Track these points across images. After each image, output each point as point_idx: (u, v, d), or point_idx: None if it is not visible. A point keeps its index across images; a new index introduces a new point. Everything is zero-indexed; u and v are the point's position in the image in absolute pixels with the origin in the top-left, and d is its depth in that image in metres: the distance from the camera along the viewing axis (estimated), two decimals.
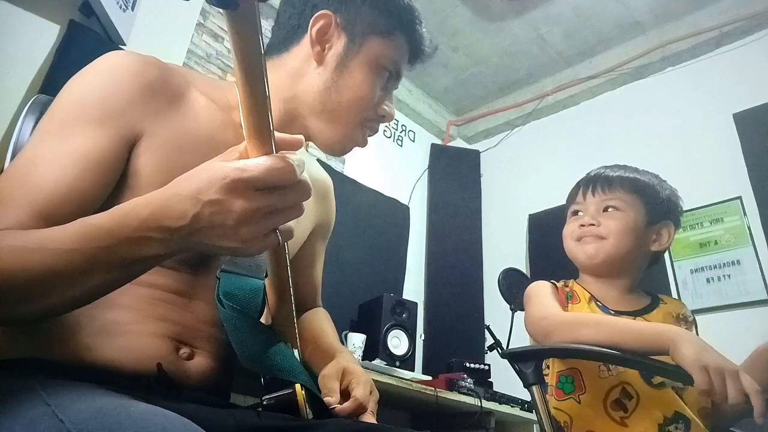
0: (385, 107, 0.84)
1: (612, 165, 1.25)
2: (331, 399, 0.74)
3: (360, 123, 0.82)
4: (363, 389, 0.76)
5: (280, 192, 0.47)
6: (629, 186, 1.17)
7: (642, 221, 1.15)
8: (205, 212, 0.47)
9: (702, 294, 2.44)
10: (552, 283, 1.24)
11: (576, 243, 1.19)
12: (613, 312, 1.14)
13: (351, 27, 0.81)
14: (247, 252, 0.50)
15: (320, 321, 0.99)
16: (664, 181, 1.26)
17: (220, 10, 0.39)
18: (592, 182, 1.19)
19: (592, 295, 1.19)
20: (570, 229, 1.21)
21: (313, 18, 0.80)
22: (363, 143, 0.85)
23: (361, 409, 0.75)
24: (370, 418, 0.75)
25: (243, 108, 0.45)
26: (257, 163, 0.46)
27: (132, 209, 0.50)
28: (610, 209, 1.16)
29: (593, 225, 1.16)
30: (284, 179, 0.47)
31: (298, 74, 0.81)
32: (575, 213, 1.22)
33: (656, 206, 1.18)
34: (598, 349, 1.06)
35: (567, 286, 1.23)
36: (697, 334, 1.11)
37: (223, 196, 0.46)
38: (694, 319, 1.16)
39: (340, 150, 0.84)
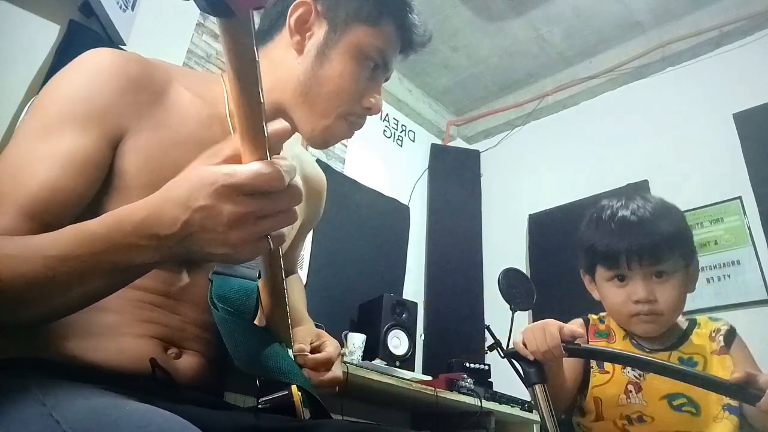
0: (372, 99, 0.80)
1: (631, 204, 1.12)
2: (305, 347, 0.80)
3: (342, 115, 0.79)
4: (333, 349, 0.83)
5: (270, 197, 0.47)
6: (672, 247, 1.07)
7: (685, 275, 1.10)
8: (195, 218, 0.47)
9: (702, 294, 2.43)
10: (586, 319, 1.21)
11: (629, 318, 1.10)
12: (648, 350, 1.12)
13: (333, 14, 0.78)
14: (239, 258, 0.49)
15: (291, 291, 0.99)
16: (672, 205, 1.16)
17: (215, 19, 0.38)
18: (637, 250, 1.07)
19: (627, 332, 1.16)
20: (621, 304, 1.10)
21: (292, 6, 0.78)
22: (349, 134, 0.82)
23: (328, 363, 0.81)
24: (335, 371, 0.82)
25: (237, 113, 0.45)
26: (245, 169, 0.46)
27: (124, 216, 0.49)
28: (660, 275, 1.08)
29: (650, 301, 1.07)
30: (272, 185, 0.46)
31: (280, 64, 0.79)
32: (619, 278, 1.11)
33: (689, 252, 1.12)
34: (609, 350, 1.08)
35: (603, 322, 1.20)
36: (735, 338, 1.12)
37: (212, 202, 0.46)
38: (732, 328, 1.13)
39: (321, 142, 0.81)
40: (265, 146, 0.47)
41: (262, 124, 0.45)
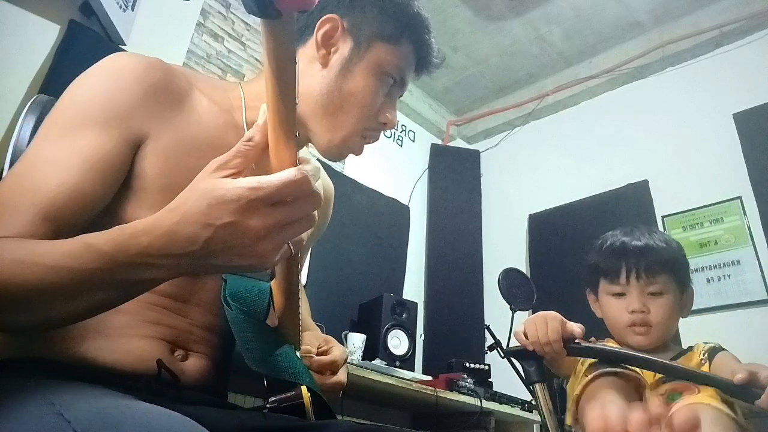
0: (388, 115, 0.83)
1: (635, 232, 1.27)
2: (312, 349, 0.81)
3: (359, 130, 0.81)
4: (340, 353, 0.85)
5: (294, 204, 0.47)
6: (666, 267, 1.22)
7: (678, 297, 1.23)
8: (218, 235, 0.46)
9: (702, 294, 2.44)
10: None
11: (625, 328, 1.22)
12: None
13: (357, 31, 0.80)
14: (264, 267, 0.49)
15: None
16: (672, 239, 1.31)
17: (234, 12, 0.39)
18: (635, 267, 1.22)
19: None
20: (618, 314, 1.23)
21: (319, 21, 0.80)
22: (359, 151, 0.84)
23: (334, 366, 0.83)
24: (339, 376, 0.84)
25: (272, 114, 0.45)
26: (273, 180, 0.45)
27: (131, 235, 0.48)
28: (655, 294, 1.21)
29: (643, 312, 1.20)
30: (301, 191, 0.46)
31: (302, 76, 0.80)
32: (619, 294, 1.25)
33: (683, 276, 1.24)
34: (611, 348, 1.12)
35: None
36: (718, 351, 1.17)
37: (238, 218, 0.45)
38: (717, 346, 1.19)
39: (336, 154, 0.83)
40: (295, 147, 0.47)
41: (295, 122, 0.46)
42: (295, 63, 0.42)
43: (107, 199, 0.64)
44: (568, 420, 1.21)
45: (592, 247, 1.33)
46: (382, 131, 0.86)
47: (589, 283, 1.32)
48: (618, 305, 1.23)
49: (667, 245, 1.24)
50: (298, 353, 0.77)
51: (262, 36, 0.41)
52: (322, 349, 0.84)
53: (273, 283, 0.71)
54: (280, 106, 0.44)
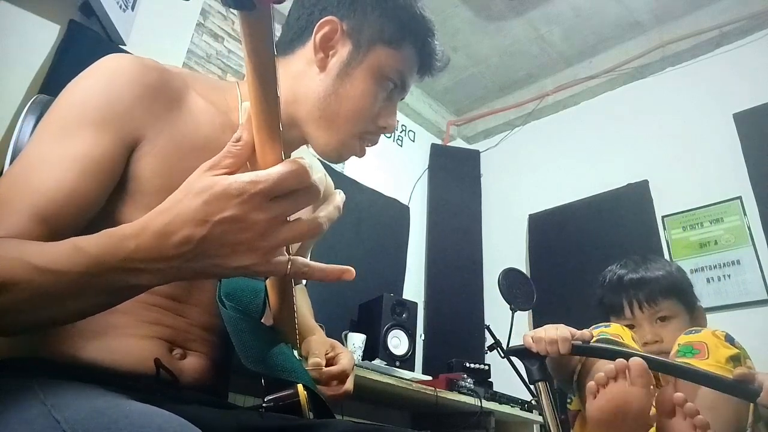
0: (387, 119, 0.81)
1: (630, 264, 1.32)
2: (321, 360, 0.81)
3: (358, 134, 0.80)
4: (348, 362, 0.86)
5: (292, 196, 0.46)
6: (667, 293, 1.25)
7: (687, 317, 1.26)
8: (215, 232, 0.45)
9: (702, 294, 2.41)
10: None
11: None
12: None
13: (357, 34, 0.78)
14: (257, 270, 0.48)
15: (299, 300, 1.00)
16: (671, 263, 1.35)
17: (234, 12, 0.39)
18: (636, 298, 1.26)
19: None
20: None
21: (318, 24, 0.78)
22: (360, 153, 0.83)
23: (343, 375, 0.83)
24: (347, 385, 0.84)
25: (254, 108, 0.45)
26: (272, 172, 0.44)
27: (119, 239, 0.47)
28: (663, 319, 1.25)
29: (657, 342, 1.22)
30: (298, 182, 0.45)
31: (300, 78, 0.80)
32: (630, 327, 1.27)
33: (688, 297, 1.28)
34: (612, 347, 1.13)
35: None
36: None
37: (240, 211, 0.44)
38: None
39: (335, 157, 0.82)
40: (280, 141, 0.46)
41: (279, 119, 0.45)
42: (274, 56, 0.41)
43: (102, 200, 0.64)
44: (573, 405, 1.23)
45: (597, 285, 1.38)
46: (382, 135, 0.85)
47: (602, 321, 1.33)
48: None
49: (664, 271, 1.28)
50: (295, 352, 0.77)
51: (240, 30, 0.40)
52: (330, 356, 0.84)
53: (267, 282, 0.71)
54: (262, 100, 0.44)
